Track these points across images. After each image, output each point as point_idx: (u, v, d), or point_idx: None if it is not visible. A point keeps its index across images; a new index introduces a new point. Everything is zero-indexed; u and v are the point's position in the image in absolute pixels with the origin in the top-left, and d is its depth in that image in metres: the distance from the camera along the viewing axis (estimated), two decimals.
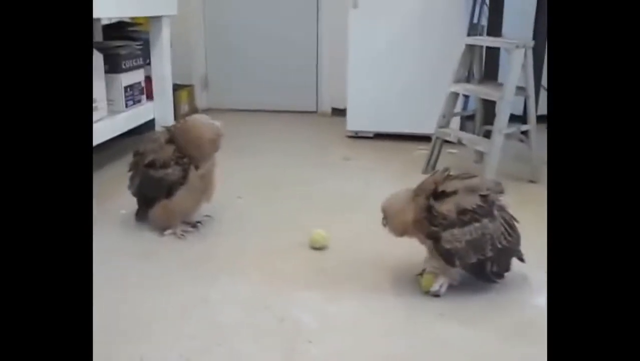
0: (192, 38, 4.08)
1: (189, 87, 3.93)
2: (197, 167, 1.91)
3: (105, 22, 3.19)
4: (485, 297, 1.57)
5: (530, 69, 2.45)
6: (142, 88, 2.99)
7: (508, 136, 2.48)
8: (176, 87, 3.41)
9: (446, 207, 1.50)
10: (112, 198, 2.23)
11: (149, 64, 3.05)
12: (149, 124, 2.99)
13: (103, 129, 2.52)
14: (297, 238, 1.89)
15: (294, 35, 4.05)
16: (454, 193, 1.52)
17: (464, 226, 1.49)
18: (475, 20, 2.95)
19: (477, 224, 1.50)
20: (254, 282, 1.65)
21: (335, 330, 1.42)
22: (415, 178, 1.64)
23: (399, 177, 2.56)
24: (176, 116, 3.16)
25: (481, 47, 2.69)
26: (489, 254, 1.51)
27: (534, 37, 2.77)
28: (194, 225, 2.01)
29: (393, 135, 3.29)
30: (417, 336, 1.40)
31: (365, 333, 1.41)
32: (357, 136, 3.38)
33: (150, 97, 3.07)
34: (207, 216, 2.07)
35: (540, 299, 1.54)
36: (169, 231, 1.95)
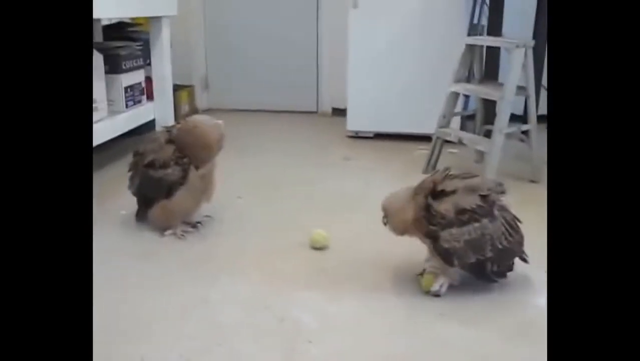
0: (192, 38, 4.08)
1: (189, 88, 3.93)
2: (197, 168, 1.91)
3: (105, 22, 3.19)
4: (486, 297, 1.57)
5: (531, 68, 2.45)
6: (143, 88, 2.99)
7: (508, 136, 2.48)
8: (176, 88, 3.41)
9: (444, 206, 1.50)
10: (112, 198, 2.23)
11: (149, 64, 3.05)
12: (149, 125, 2.99)
13: (103, 129, 2.52)
14: (297, 238, 1.89)
15: (294, 35, 4.05)
16: (453, 192, 1.52)
17: (462, 226, 1.49)
18: (475, 20, 2.95)
19: (476, 224, 1.49)
20: (254, 282, 1.65)
21: (335, 330, 1.42)
22: (416, 178, 1.64)
23: (399, 177, 2.56)
24: (176, 117, 3.16)
25: (481, 47, 2.69)
26: (489, 254, 1.51)
27: (534, 37, 2.76)
28: (194, 225, 2.01)
29: (393, 135, 3.29)
30: (418, 336, 1.40)
31: (365, 333, 1.41)
32: (357, 136, 3.38)
33: (150, 97, 3.07)
34: (207, 216, 2.07)
35: (541, 300, 1.54)
36: (169, 232, 1.95)
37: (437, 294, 1.55)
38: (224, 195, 2.15)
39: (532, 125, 2.53)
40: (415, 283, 1.61)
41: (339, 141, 3.33)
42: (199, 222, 2.02)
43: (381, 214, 1.61)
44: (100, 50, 2.63)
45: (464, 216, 1.49)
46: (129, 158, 2.06)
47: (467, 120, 3.20)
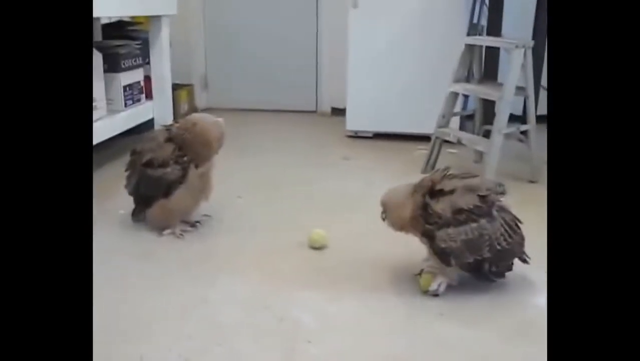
0: (192, 38, 4.07)
1: (188, 87, 3.93)
2: (197, 166, 1.90)
3: (104, 21, 3.18)
4: (486, 297, 1.57)
5: (530, 69, 2.45)
6: (142, 87, 2.99)
7: (507, 136, 2.48)
8: (176, 87, 3.41)
9: (441, 206, 1.50)
10: (111, 197, 2.22)
11: (149, 63, 3.05)
12: (149, 124, 2.99)
13: (102, 128, 2.52)
14: (297, 237, 1.89)
15: (294, 35, 4.04)
16: (452, 192, 1.52)
17: (459, 226, 1.49)
18: (475, 20, 2.95)
19: (473, 225, 1.49)
20: (254, 282, 1.65)
21: (335, 330, 1.42)
22: (415, 178, 1.64)
23: (398, 177, 2.55)
24: (176, 116, 3.16)
25: (481, 47, 2.69)
26: (487, 255, 1.50)
27: (534, 37, 2.77)
28: (193, 225, 2.00)
29: (392, 135, 3.29)
30: (417, 336, 1.40)
31: (365, 333, 1.41)
32: (356, 136, 3.38)
33: (149, 96, 3.06)
34: (205, 215, 2.06)
35: (540, 299, 1.54)
36: (167, 231, 1.95)
37: (435, 294, 1.55)
38: (223, 195, 2.14)
39: (531, 125, 2.53)
40: (415, 283, 1.61)
41: (339, 141, 3.33)
42: (197, 221, 2.02)
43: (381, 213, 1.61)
44: (99, 49, 2.63)
45: (461, 216, 1.49)
46: (128, 157, 2.06)
47: (466, 120, 3.20)
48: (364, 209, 1.90)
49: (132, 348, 1.32)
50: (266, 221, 2.11)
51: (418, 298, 1.56)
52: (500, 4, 2.87)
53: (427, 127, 2.81)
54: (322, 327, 1.42)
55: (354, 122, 3.35)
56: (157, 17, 2.91)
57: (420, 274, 1.61)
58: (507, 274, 1.61)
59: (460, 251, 1.49)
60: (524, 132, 2.55)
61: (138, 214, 2.02)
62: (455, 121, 2.95)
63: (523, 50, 2.39)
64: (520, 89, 2.46)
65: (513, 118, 2.55)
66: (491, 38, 2.75)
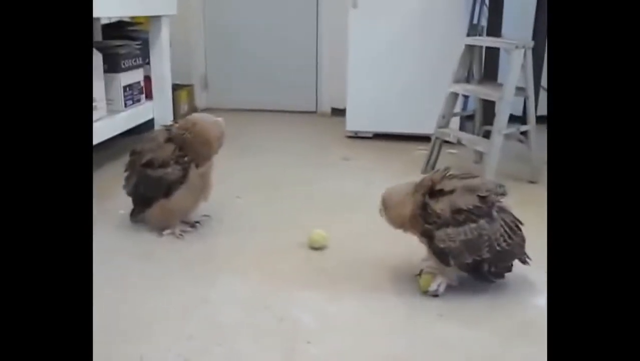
0: (192, 38, 4.07)
1: (188, 87, 3.93)
2: (197, 166, 1.90)
3: (104, 21, 3.19)
4: (486, 297, 1.57)
5: (530, 69, 2.45)
6: (142, 88, 2.99)
7: (507, 137, 2.48)
8: (176, 87, 3.41)
9: (440, 205, 1.50)
10: (111, 197, 2.22)
11: (149, 63, 3.05)
12: (149, 124, 2.99)
13: (102, 128, 2.52)
14: (297, 238, 1.89)
15: (294, 35, 4.05)
16: (451, 192, 1.52)
17: (458, 226, 1.49)
18: (475, 21, 2.95)
19: (473, 225, 1.49)
20: (254, 282, 1.65)
21: (335, 330, 1.42)
22: (415, 178, 1.64)
23: (398, 177, 2.54)
24: (176, 116, 3.16)
25: (481, 47, 2.69)
26: (486, 255, 1.50)
27: (534, 38, 2.77)
28: (193, 225, 2.00)
29: (392, 135, 3.29)
30: (417, 336, 1.40)
31: (365, 333, 1.41)
32: (356, 136, 3.38)
33: (149, 96, 3.06)
34: (205, 215, 2.06)
35: (540, 300, 1.54)
36: (167, 231, 1.95)
37: (435, 295, 1.55)
38: (223, 195, 2.15)
39: (531, 126, 2.53)
40: (415, 283, 1.61)
41: (338, 141, 3.33)
42: (197, 221, 2.02)
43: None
44: (99, 49, 2.63)
45: (460, 216, 1.49)
46: (128, 158, 2.05)
47: (466, 120, 3.20)
48: (364, 209, 1.90)
49: (132, 348, 1.32)
50: (266, 221, 2.11)
51: (418, 298, 1.56)
52: (500, 5, 2.87)
53: (427, 127, 2.81)
54: (322, 327, 1.42)
55: (353, 122, 3.35)
56: (157, 17, 2.91)
57: (420, 274, 1.61)
58: (507, 274, 1.61)
59: (459, 251, 1.49)
60: (524, 133, 2.55)
61: (137, 215, 2.02)
62: (455, 122, 2.94)
63: (523, 50, 2.39)
64: (520, 90, 2.46)
65: (513, 119, 2.55)
66: (491, 38, 2.75)
